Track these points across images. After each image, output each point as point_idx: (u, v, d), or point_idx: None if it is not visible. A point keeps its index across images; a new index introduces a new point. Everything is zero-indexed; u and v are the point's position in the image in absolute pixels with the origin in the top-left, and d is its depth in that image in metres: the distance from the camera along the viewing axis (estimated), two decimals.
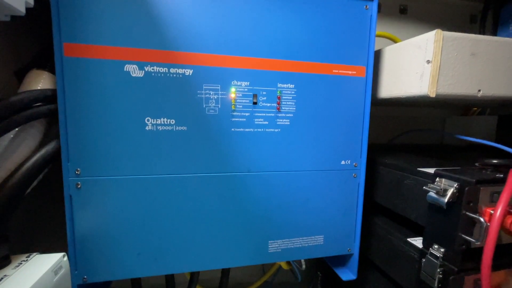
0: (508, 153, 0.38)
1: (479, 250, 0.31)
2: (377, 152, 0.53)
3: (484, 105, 0.71)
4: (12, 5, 0.24)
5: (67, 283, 0.33)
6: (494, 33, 0.73)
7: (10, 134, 0.33)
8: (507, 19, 0.70)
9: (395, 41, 0.70)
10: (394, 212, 0.45)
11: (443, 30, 0.35)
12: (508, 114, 0.74)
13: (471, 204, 0.31)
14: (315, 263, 0.68)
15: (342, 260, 0.49)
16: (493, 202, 0.32)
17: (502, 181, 0.32)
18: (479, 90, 0.38)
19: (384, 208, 0.47)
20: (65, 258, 0.33)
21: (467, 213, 0.31)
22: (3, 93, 0.39)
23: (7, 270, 0.30)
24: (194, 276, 0.48)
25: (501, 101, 0.49)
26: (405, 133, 0.71)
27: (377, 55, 0.46)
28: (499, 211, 0.29)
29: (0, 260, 0.30)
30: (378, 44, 0.76)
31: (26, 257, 0.32)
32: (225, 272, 0.51)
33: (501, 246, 0.33)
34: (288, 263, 0.55)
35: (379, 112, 0.72)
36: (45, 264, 0.31)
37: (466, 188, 0.31)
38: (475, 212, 0.31)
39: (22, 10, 0.25)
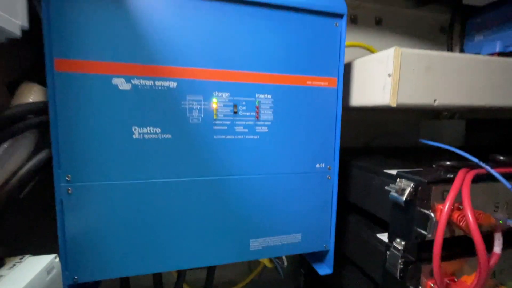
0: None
1: (432, 242, 0.35)
2: (351, 155, 0.57)
3: (450, 110, 0.77)
4: (8, 29, 0.27)
5: (59, 283, 0.35)
6: (461, 43, 0.79)
7: (4, 145, 0.35)
8: (471, 31, 0.76)
9: (371, 51, 0.75)
10: (365, 210, 0.49)
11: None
12: (474, 119, 0.81)
13: (425, 202, 0.36)
14: (299, 261, 0.72)
15: (319, 256, 0.53)
16: (443, 199, 0.36)
17: (452, 181, 0.36)
18: (435, 100, 0.42)
19: (356, 206, 0.51)
20: (57, 259, 0.35)
21: (421, 209, 0.36)
22: None
23: (2, 271, 0.31)
24: (181, 275, 0.50)
25: (459, 109, 0.54)
26: (377, 138, 0.76)
27: (348, 66, 0.50)
28: (446, 207, 0.34)
29: None
30: (355, 53, 0.81)
31: (20, 259, 0.34)
32: (211, 271, 0.53)
33: (455, 238, 0.37)
34: (271, 261, 0.59)
35: (356, 116, 0.77)
36: (38, 264, 0.33)
37: (419, 188, 0.35)
38: (428, 208, 0.36)
39: (17, 33, 0.28)
